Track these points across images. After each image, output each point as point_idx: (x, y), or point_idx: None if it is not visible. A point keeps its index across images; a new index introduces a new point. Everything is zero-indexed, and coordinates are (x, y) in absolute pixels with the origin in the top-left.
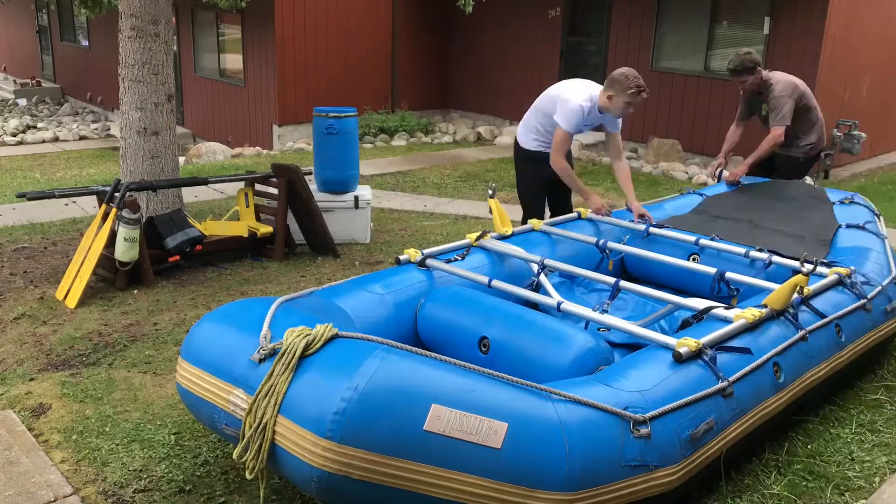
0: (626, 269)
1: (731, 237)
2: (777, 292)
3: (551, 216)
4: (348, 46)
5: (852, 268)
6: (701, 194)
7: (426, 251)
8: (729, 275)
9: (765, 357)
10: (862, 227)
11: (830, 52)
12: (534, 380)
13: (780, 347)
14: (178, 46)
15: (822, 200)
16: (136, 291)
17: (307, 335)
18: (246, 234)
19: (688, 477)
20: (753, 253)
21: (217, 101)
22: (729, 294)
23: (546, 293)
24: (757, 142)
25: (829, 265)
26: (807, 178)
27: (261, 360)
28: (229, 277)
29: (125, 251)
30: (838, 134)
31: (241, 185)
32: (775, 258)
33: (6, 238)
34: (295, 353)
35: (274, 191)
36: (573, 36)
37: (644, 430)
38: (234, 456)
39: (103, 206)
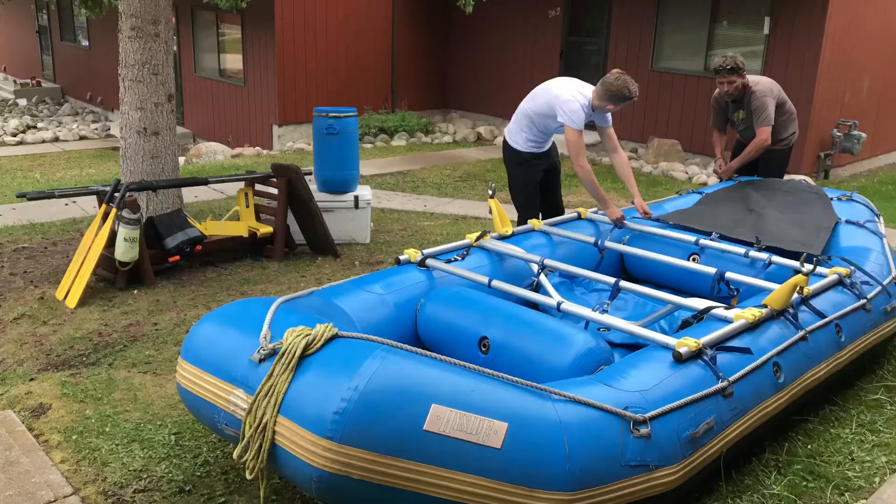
0: (626, 269)
1: (732, 228)
2: (777, 292)
3: (543, 215)
4: (348, 46)
5: (852, 268)
6: (701, 193)
7: (426, 251)
8: (729, 275)
9: (765, 357)
10: (861, 226)
11: (830, 53)
12: (534, 380)
13: (780, 347)
14: (178, 46)
15: (820, 196)
16: (136, 291)
17: (307, 335)
18: (246, 234)
19: (688, 477)
20: (753, 253)
21: (217, 101)
22: (729, 294)
23: (546, 293)
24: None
25: (829, 265)
26: (805, 178)
27: (261, 360)
28: (229, 277)
29: (125, 251)
30: (838, 134)
31: (241, 185)
32: (775, 258)
33: (6, 238)
34: (295, 353)
35: (274, 191)
36: (573, 36)
37: (644, 430)
38: (234, 456)
39: (103, 206)
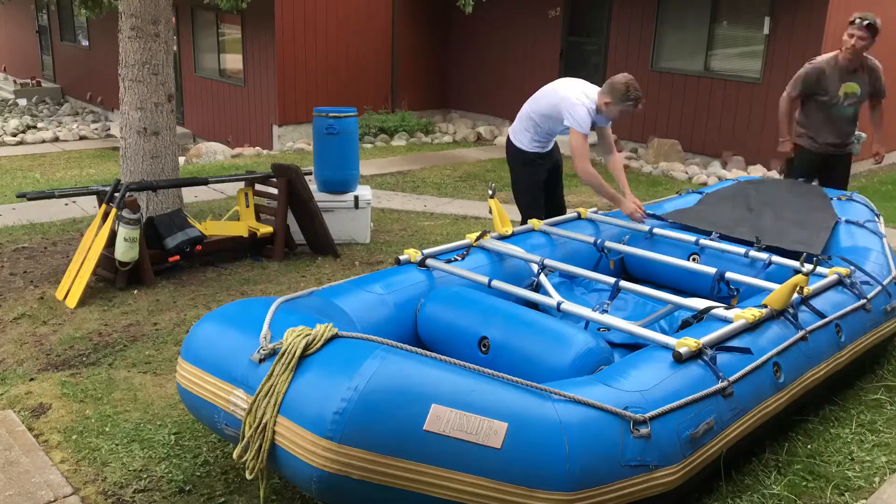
0: (626, 269)
1: (732, 228)
2: (777, 292)
3: (546, 215)
4: (348, 46)
5: (852, 268)
6: (701, 193)
7: (426, 251)
8: (729, 275)
9: (765, 357)
10: (861, 225)
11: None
12: (534, 380)
13: (780, 347)
14: (178, 46)
15: (820, 196)
16: (136, 291)
17: (307, 335)
18: (246, 234)
19: (688, 477)
20: (753, 253)
21: (217, 101)
22: (729, 294)
23: (546, 293)
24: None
25: (829, 265)
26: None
27: (261, 360)
28: (229, 277)
29: (125, 251)
30: None
31: (241, 185)
32: (775, 258)
33: (6, 238)
34: (295, 353)
35: (274, 191)
36: (573, 36)
37: (644, 430)
38: (234, 456)
39: (103, 206)
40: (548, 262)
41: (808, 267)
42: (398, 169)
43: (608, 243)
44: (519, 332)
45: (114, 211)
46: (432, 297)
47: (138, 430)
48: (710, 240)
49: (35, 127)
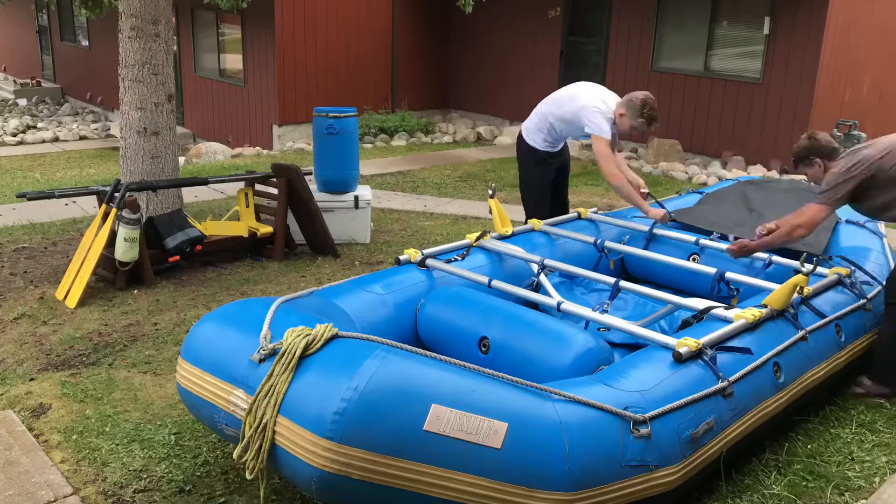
0: (626, 269)
1: (733, 228)
2: (777, 292)
3: (550, 214)
4: (348, 46)
5: (852, 268)
6: (701, 193)
7: (426, 251)
8: (729, 275)
9: (765, 357)
10: (861, 226)
11: (830, 52)
12: (534, 380)
13: (780, 347)
14: (178, 46)
15: None
16: (136, 291)
17: (307, 335)
18: (246, 234)
19: (688, 477)
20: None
21: (217, 101)
22: (729, 294)
23: (546, 293)
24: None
25: (829, 265)
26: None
27: (261, 361)
28: (229, 277)
29: (125, 251)
30: (838, 134)
31: (241, 185)
32: (775, 258)
33: (6, 238)
34: (295, 353)
35: (274, 191)
36: (573, 36)
37: (644, 430)
38: (234, 456)
39: (103, 206)
40: (548, 262)
41: (808, 267)
42: (398, 169)
43: (608, 243)
44: (519, 332)
45: (114, 211)
46: (432, 297)
47: (138, 430)
48: (710, 240)
49: (35, 127)
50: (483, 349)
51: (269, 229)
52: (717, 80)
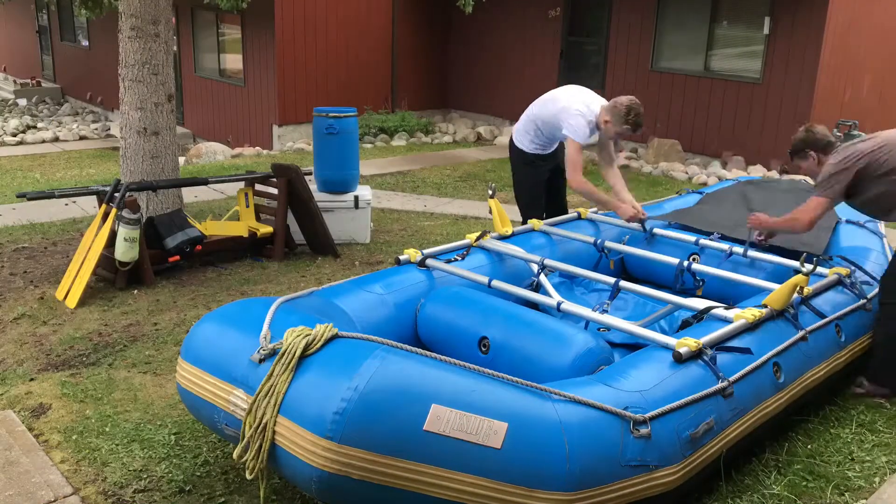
0: (626, 269)
1: (733, 228)
2: (777, 292)
3: (547, 215)
4: (348, 46)
5: (852, 268)
6: (701, 193)
7: (426, 251)
8: (724, 273)
9: (765, 357)
10: (861, 226)
11: (830, 52)
12: (534, 380)
13: (780, 347)
14: (178, 46)
15: None
16: (136, 291)
17: (307, 335)
18: (246, 234)
19: (688, 477)
20: (753, 253)
21: (217, 101)
22: (694, 285)
23: (546, 293)
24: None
25: (829, 265)
26: (806, 178)
27: (261, 361)
28: (229, 277)
29: (125, 251)
30: (838, 134)
31: (241, 185)
32: (775, 258)
33: (6, 238)
34: (295, 353)
35: (274, 191)
36: (573, 36)
37: (644, 430)
38: (234, 456)
39: (103, 206)
40: (548, 262)
41: (808, 267)
42: (398, 169)
43: (608, 243)
44: (519, 332)
45: (114, 211)
46: (432, 297)
47: (138, 430)
48: (710, 240)
49: (35, 127)
50: (483, 349)
51: (269, 229)
52: (717, 80)
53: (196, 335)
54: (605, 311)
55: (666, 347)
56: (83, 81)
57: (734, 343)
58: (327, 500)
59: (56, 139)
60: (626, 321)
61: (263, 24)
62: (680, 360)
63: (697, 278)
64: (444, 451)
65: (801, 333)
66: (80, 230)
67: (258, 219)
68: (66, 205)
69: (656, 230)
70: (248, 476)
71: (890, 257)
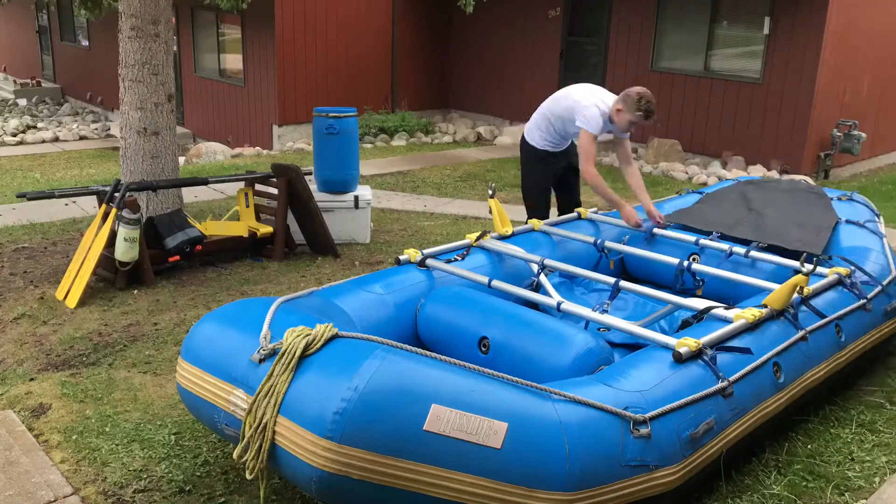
0: (626, 269)
1: (732, 227)
2: (777, 292)
3: (560, 212)
4: (348, 46)
5: (852, 268)
6: (701, 193)
7: (426, 251)
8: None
9: (765, 357)
10: (862, 225)
11: (830, 52)
12: (534, 380)
13: (780, 347)
14: (178, 46)
15: (820, 196)
16: (136, 291)
17: (307, 335)
18: (246, 234)
19: (688, 477)
20: (753, 253)
21: (217, 101)
22: (694, 285)
23: (546, 293)
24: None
25: (829, 265)
26: (805, 178)
27: (261, 361)
28: (229, 277)
29: (125, 251)
30: (838, 134)
31: (241, 185)
32: (775, 258)
33: (6, 238)
34: (295, 353)
35: (274, 191)
36: (573, 36)
37: (644, 430)
38: (234, 456)
39: (103, 206)
40: (548, 262)
41: (808, 267)
42: (398, 169)
43: (608, 243)
44: (519, 332)
45: (114, 211)
46: (432, 297)
47: (138, 430)
48: (710, 240)
49: (35, 127)
50: (483, 349)
51: (269, 229)
52: (717, 80)
53: (196, 335)
54: (605, 311)
55: (666, 347)
56: (83, 81)
57: (734, 343)
58: (327, 500)
59: (56, 139)
60: (626, 321)
61: (263, 24)
62: (680, 360)
63: (697, 278)
64: (444, 451)
65: (801, 333)
66: (80, 230)
67: (258, 219)
68: (66, 205)
69: (656, 230)
70: (248, 476)
71: (890, 257)
